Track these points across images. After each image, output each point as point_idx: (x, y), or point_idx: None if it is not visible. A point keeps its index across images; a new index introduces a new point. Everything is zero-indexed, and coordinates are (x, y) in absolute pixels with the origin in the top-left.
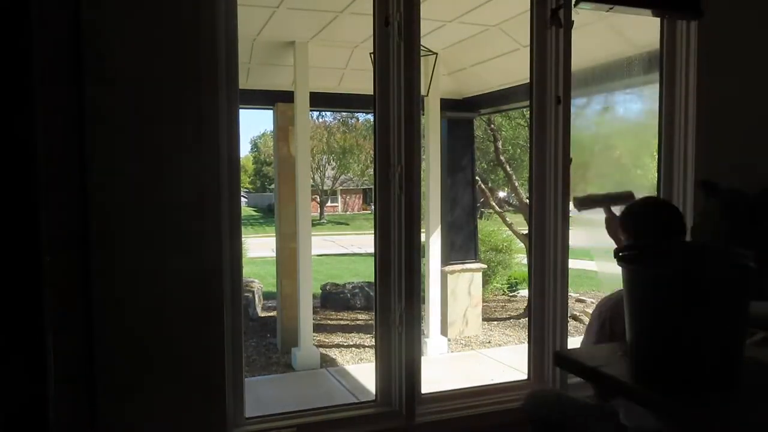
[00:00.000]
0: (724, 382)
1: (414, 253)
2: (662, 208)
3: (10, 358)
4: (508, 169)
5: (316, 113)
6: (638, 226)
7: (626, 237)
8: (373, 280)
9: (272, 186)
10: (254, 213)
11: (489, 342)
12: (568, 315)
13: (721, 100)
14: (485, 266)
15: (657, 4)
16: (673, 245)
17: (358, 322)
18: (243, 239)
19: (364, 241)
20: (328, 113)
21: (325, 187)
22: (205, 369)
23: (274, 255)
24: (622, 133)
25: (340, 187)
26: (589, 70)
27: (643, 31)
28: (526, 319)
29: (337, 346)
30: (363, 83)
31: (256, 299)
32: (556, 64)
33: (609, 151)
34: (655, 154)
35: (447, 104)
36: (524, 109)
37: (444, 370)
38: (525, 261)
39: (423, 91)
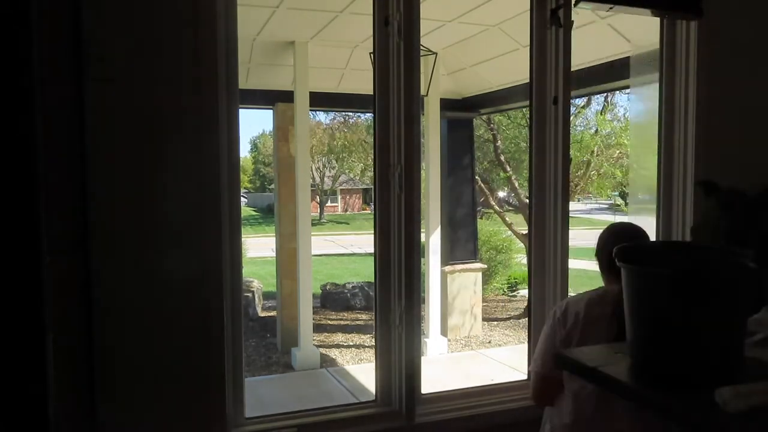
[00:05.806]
0: (723, 381)
1: (414, 253)
2: (625, 233)
3: (10, 357)
4: (508, 169)
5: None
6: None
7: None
8: (373, 280)
9: (272, 186)
10: (254, 213)
11: (489, 342)
12: None
13: (721, 100)
14: (485, 266)
15: (657, 4)
16: (673, 245)
17: (358, 322)
18: (243, 239)
19: (364, 241)
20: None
21: (325, 187)
22: (205, 369)
23: (274, 255)
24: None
25: (340, 187)
26: (589, 69)
27: (643, 30)
28: (526, 319)
29: (337, 346)
30: (363, 83)
31: (256, 299)
32: (555, 64)
33: (609, 150)
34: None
35: (447, 104)
36: (524, 109)
37: (444, 370)
38: (525, 261)
39: (423, 91)
